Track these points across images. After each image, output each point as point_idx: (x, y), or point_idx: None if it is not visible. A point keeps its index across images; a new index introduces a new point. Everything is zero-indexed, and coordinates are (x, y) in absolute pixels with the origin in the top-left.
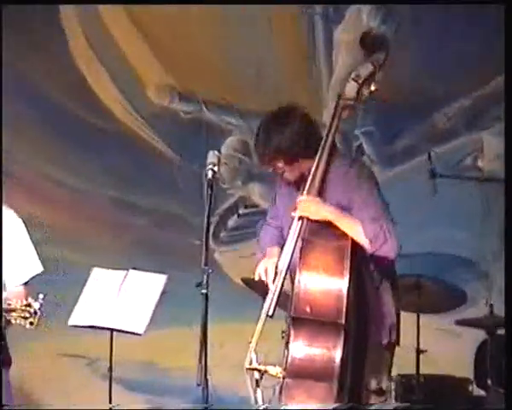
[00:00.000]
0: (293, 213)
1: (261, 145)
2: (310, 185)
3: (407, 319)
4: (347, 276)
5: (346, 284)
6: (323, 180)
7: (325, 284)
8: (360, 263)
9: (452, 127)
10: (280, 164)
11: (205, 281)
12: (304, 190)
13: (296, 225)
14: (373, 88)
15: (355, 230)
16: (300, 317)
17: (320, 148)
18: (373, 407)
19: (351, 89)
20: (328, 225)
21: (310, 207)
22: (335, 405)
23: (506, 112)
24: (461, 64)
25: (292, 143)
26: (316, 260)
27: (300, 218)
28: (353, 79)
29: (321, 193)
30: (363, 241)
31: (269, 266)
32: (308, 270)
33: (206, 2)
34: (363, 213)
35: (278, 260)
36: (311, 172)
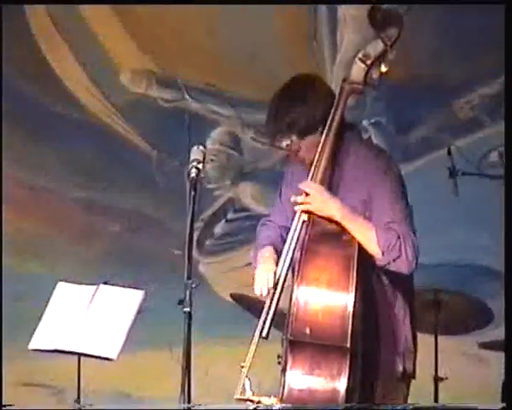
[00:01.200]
0: (296, 208)
1: (273, 115)
2: (314, 172)
3: (423, 340)
4: (354, 291)
5: (353, 301)
6: (333, 168)
7: (327, 300)
8: (370, 275)
9: (476, 117)
10: (294, 137)
11: (188, 297)
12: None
13: (297, 224)
14: (384, 69)
15: (366, 235)
16: (299, 340)
17: (321, 140)
18: (381, 407)
19: (357, 71)
20: (331, 230)
21: (315, 198)
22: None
23: (506, 112)
24: (486, 45)
25: (310, 114)
26: (316, 271)
27: (303, 214)
28: (360, 60)
29: (330, 184)
30: (374, 250)
31: (269, 277)
32: (307, 284)
33: None
34: (380, 215)
35: (276, 268)
36: (315, 159)
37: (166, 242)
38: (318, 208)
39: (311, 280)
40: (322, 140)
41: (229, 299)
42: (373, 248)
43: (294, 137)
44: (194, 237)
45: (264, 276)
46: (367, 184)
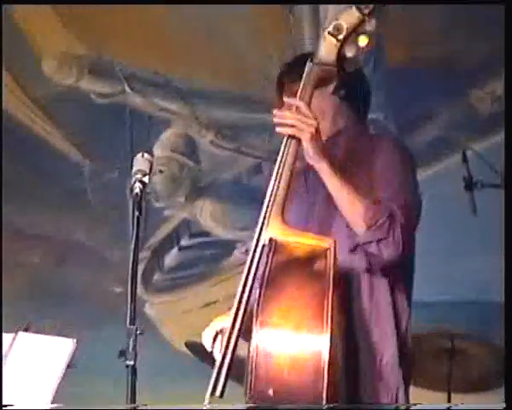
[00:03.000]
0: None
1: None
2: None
3: (434, 399)
4: (329, 332)
5: (328, 346)
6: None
7: (296, 350)
8: (350, 299)
9: (498, 113)
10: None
11: (131, 347)
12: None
13: (255, 247)
14: (362, 43)
15: (350, 202)
16: (260, 407)
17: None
18: (375, 407)
19: (328, 48)
20: (300, 255)
21: (303, 119)
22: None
23: (506, 112)
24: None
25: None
26: (280, 313)
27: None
28: (330, 34)
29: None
30: (357, 223)
31: (213, 330)
32: (269, 330)
33: None
34: (375, 187)
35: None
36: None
37: (103, 276)
38: (305, 134)
39: (274, 325)
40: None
41: (184, 348)
42: (356, 219)
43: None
44: (139, 270)
45: (212, 329)
46: (368, 155)
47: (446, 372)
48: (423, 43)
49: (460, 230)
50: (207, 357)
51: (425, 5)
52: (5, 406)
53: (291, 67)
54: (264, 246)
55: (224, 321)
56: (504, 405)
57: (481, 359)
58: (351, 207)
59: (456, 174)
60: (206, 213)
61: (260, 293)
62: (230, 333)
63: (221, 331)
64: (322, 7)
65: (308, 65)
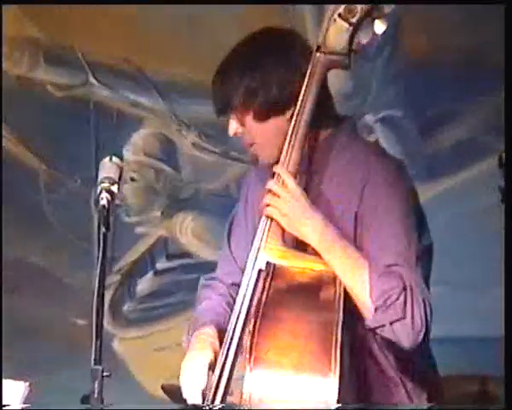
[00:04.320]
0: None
1: (220, 82)
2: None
3: None
4: (337, 373)
5: (336, 391)
6: (308, 172)
7: (296, 393)
8: (362, 339)
9: None
10: (249, 119)
11: (96, 392)
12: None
13: (250, 274)
14: (379, 29)
15: (355, 276)
16: None
17: (289, 134)
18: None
19: (338, 34)
20: (303, 281)
21: (286, 201)
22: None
23: (506, 112)
24: None
25: (279, 83)
26: (278, 351)
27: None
28: (342, 17)
29: (306, 190)
30: (364, 303)
31: (200, 378)
32: (264, 371)
33: None
34: (379, 250)
35: (216, 358)
36: (284, 150)
37: (63, 306)
38: (289, 219)
39: (271, 363)
40: (290, 130)
41: (160, 393)
42: (362, 298)
43: (250, 119)
44: (106, 299)
45: (192, 377)
46: (359, 198)
47: None
48: (448, 32)
49: (492, 250)
50: (187, 403)
51: (425, 5)
52: (5, 406)
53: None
54: (260, 271)
55: (205, 356)
56: (504, 405)
57: None
58: (352, 279)
59: (488, 184)
60: (187, 231)
61: (255, 325)
62: (220, 377)
63: (210, 369)
64: None
65: (314, 55)
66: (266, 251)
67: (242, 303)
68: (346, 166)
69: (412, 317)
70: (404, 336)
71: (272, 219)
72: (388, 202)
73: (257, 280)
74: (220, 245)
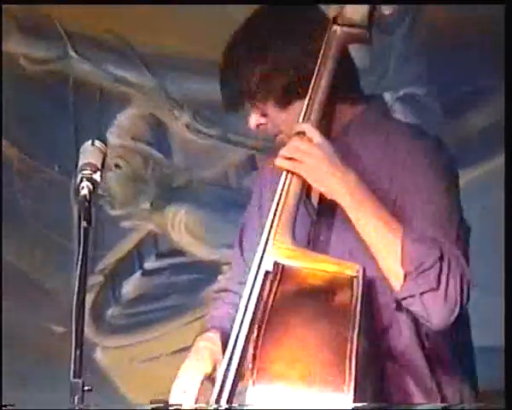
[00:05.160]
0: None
1: (233, 69)
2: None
3: None
4: (351, 387)
5: (350, 407)
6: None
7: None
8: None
9: None
10: (270, 108)
11: (76, 407)
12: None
13: (256, 272)
14: None
15: (386, 239)
16: None
17: (303, 110)
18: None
19: (357, 5)
20: (314, 284)
21: (311, 155)
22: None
23: (506, 113)
24: None
25: (296, 66)
26: (284, 361)
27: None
28: None
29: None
30: (393, 268)
31: (193, 384)
32: (268, 384)
33: None
34: (415, 221)
35: (215, 368)
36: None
37: (38, 311)
38: (315, 175)
39: (277, 376)
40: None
41: (148, 409)
42: (391, 264)
43: (271, 107)
44: (88, 303)
45: (185, 380)
46: (396, 176)
47: None
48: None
49: None
50: None
51: (424, 5)
52: (5, 406)
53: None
54: (267, 273)
55: (199, 367)
56: (504, 405)
57: None
58: (382, 245)
59: None
60: (179, 225)
61: (259, 333)
62: (221, 391)
63: (210, 379)
64: None
65: (330, 27)
66: (274, 250)
67: (246, 309)
68: (382, 146)
69: (446, 289)
70: (435, 310)
71: (290, 183)
72: (428, 180)
73: (263, 283)
74: (216, 243)
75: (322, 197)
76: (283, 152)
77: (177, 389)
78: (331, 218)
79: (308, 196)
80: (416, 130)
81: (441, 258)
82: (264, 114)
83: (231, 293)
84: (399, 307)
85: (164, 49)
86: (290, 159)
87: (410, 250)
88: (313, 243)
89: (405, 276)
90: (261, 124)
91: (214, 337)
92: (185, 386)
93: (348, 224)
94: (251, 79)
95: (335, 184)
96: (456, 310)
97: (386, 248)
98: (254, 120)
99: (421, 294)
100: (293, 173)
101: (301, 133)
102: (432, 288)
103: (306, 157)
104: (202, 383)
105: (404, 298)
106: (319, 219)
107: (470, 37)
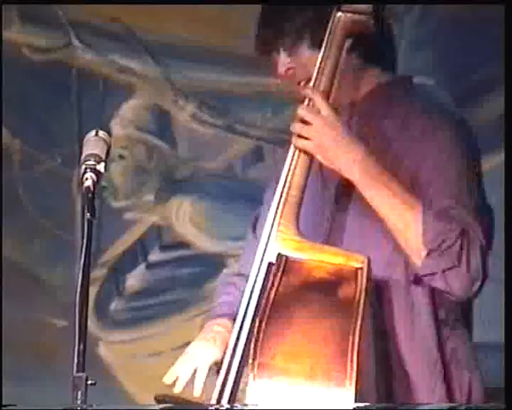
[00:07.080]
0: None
1: (282, 11)
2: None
3: None
4: (353, 381)
5: (352, 402)
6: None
7: (307, 403)
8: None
9: None
10: (302, 52)
11: (79, 403)
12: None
13: (259, 266)
14: None
15: (403, 218)
16: None
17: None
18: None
19: None
20: (319, 276)
21: (319, 130)
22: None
23: (506, 113)
24: None
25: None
26: (286, 356)
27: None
28: None
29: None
30: (413, 246)
31: (200, 369)
32: (270, 378)
33: None
34: (435, 195)
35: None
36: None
37: (40, 305)
38: (325, 150)
39: (279, 370)
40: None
41: (153, 404)
42: (411, 242)
43: (304, 49)
44: (91, 296)
45: (189, 363)
46: (416, 152)
47: None
48: None
49: None
50: None
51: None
52: (5, 406)
53: (280, 12)
54: (270, 264)
55: (211, 352)
56: (504, 405)
57: None
58: (399, 221)
59: None
60: (184, 217)
61: (260, 325)
62: (223, 386)
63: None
64: None
65: (334, 15)
66: (277, 242)
67: (249, 303)
68: (404, 119)
69: (468, 265)
70: (457, 285)
71: (298, 159)
72: (448, 155)
73: (266, 276)
74: (223, 236)
75: (339, 182)
76: (294, 129)
77: (186, 365)
78: (349, 203)
79: (325, 181)
80: (439, 106)
81: (462, 233)
82: (295, 58)
83: (243, 276)
84: (418, 281)
85: (168, 38)
86: (299, 136)
87: (431, 227)
88: (330, 229)
89: (428, 254)
90: (290, 69)
91: (227, 325)
92: (195, 364)
93: (365, 208)
94: (296, 19)
95: (344, 160)
96: (479, 281)
97: (405, 226)
98: (285, 62)
99: (444, 271)
100: (300, 151)
101: (311, 100)
102: (454, 265)
103: (314, 133)
104: (210, 369)
105: (426, 275)
106: (337, 205)
107: (485, 26)
